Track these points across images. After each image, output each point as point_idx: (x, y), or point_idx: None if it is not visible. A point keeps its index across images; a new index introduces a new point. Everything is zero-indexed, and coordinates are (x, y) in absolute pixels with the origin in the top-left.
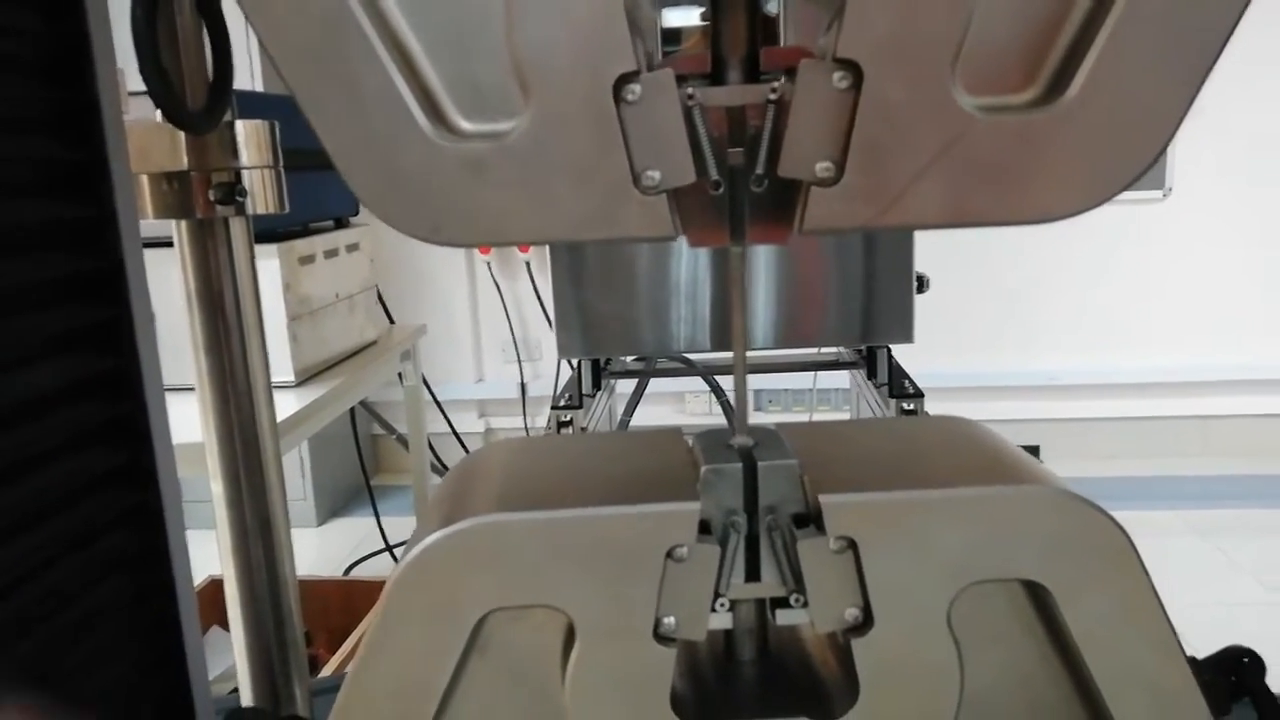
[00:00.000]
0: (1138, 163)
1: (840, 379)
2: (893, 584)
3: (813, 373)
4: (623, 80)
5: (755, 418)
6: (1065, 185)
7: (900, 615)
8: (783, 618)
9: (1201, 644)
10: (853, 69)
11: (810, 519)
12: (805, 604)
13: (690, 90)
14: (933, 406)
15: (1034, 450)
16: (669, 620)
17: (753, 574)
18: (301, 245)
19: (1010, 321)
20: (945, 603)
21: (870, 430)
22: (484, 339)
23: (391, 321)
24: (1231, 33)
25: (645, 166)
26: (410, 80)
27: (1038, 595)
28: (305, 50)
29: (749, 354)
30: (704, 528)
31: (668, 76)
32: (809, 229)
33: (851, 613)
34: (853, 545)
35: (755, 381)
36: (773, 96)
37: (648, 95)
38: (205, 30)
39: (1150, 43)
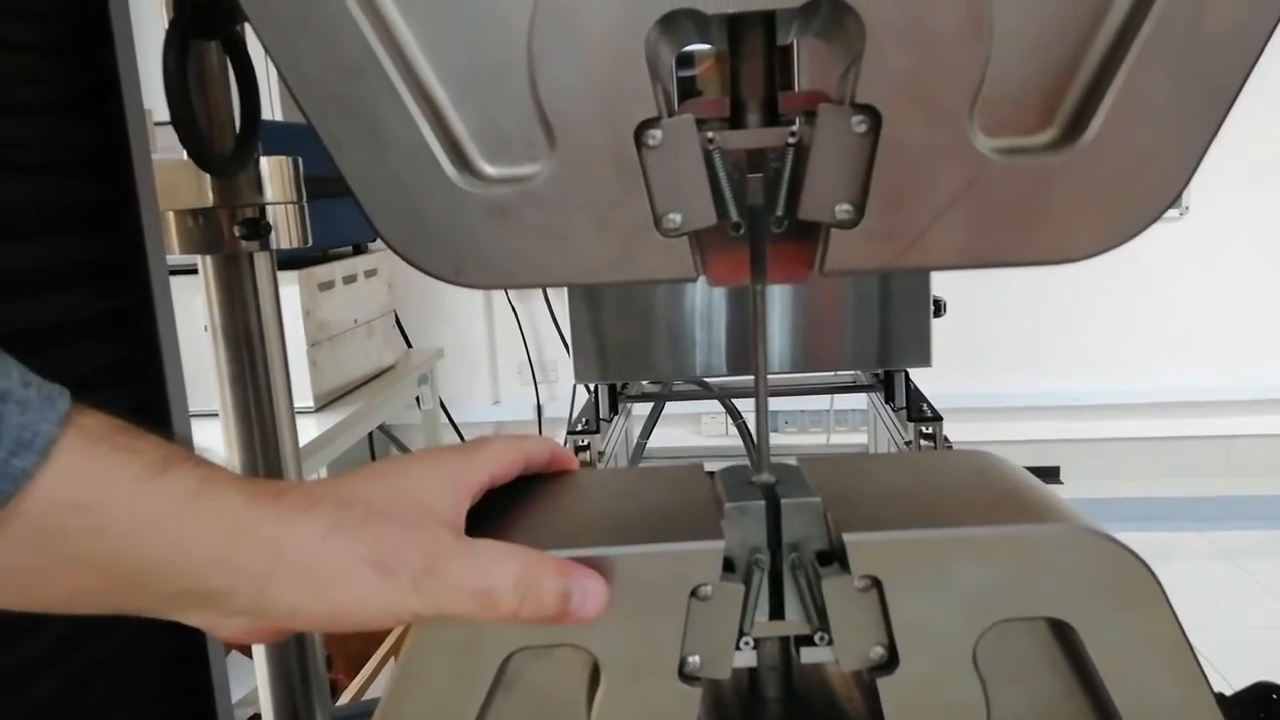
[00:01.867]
0: (1158, 203)
1: (858, 400)
2: (917, 622)
3: (830, 395)
4: (644, 126)
5: (772, 439)
6: (1084, 226)
7: (925, 654)
8: (807, 656)
9: (1227, 669)
10: (871, 113)
11: (834, 556)
12: (830, 642)
13: (710, 134)
14: (952, 428)
15: (1055, 471)
16: (693, 659)
17: (777, 612)
18: (321, 271)
19: (1030, 342)
20: (970, 641)
21: (893, 465)
22: (500, 362)
23: (409, 346)
24: (1249, 74)
25: (666, 210)
26: (435, 126)
27: (1063, 633)
28: (332, 97)
29: (771, 377)
30: (727, 565)
31: (688, 122)
32: (830, 270)
33: (876, 651)
34: (877, 584)
35: (772, 404)
36: (792, 140)
37: (669, 140)
38: (232, 73)
39: (1168, 84)
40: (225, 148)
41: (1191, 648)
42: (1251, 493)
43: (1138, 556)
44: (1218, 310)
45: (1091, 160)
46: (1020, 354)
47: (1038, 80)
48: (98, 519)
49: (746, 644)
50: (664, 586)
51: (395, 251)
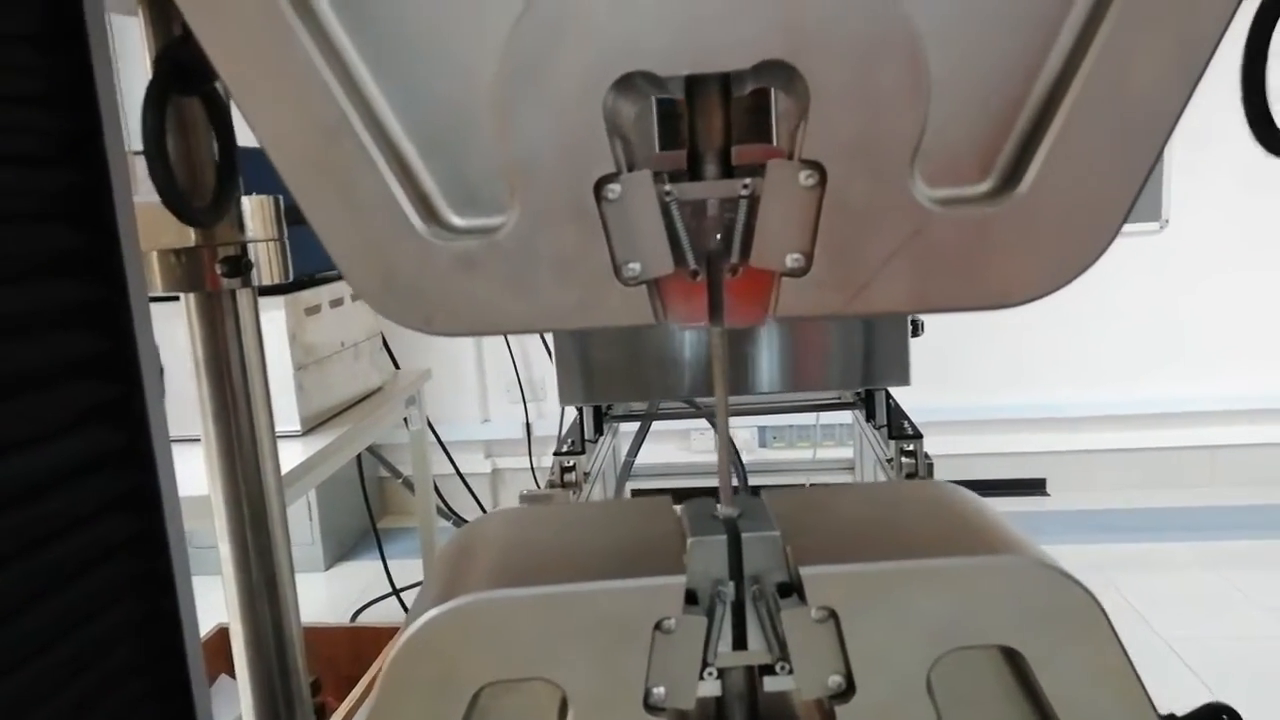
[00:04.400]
0: (1092, 249)
1: (844, 415)
2: (873, 652)
3: (816, 412)
4: (603, 180)
5: (760, 454)
6: (1023, 272)
7: (881, 682)
8: (770, 684)
9: (1213, 679)
10: (818, 168)
11: (794, 588)
12: (790, 671)
13: (668, 187)
14: (939, 441)
15: (1041, 483)
16: (659, 690)
17: (740, 642)
18: (307, 296)
19: (1015, 355)
20: (924, 669)
21: (853, 497)
22: (489, 380)
23: (397, 367)
24: (1174, 127)
25: (626, 259)
26: (405, 181)
27: (1015, 661)
28: (306, 158)
29: (753, 399)
30: (692, 597)
31: (645, 177)
32: (782, 315)
33: (835, 680)
34: (834, 614)
35: (761, 420)
36: (744, 192)
37: (627, 193)
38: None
39: (1098, 135)
40: (206, 193)
41: (1138, 675)
42: (1236, 502)
43: (1085, 588)
44: (1199, 321)
45: (1028, 208)
46: (1005, 367)
47: (976, 133)
48: None
49: (710, 674)
50: (628, 621)
51: (368, 304)
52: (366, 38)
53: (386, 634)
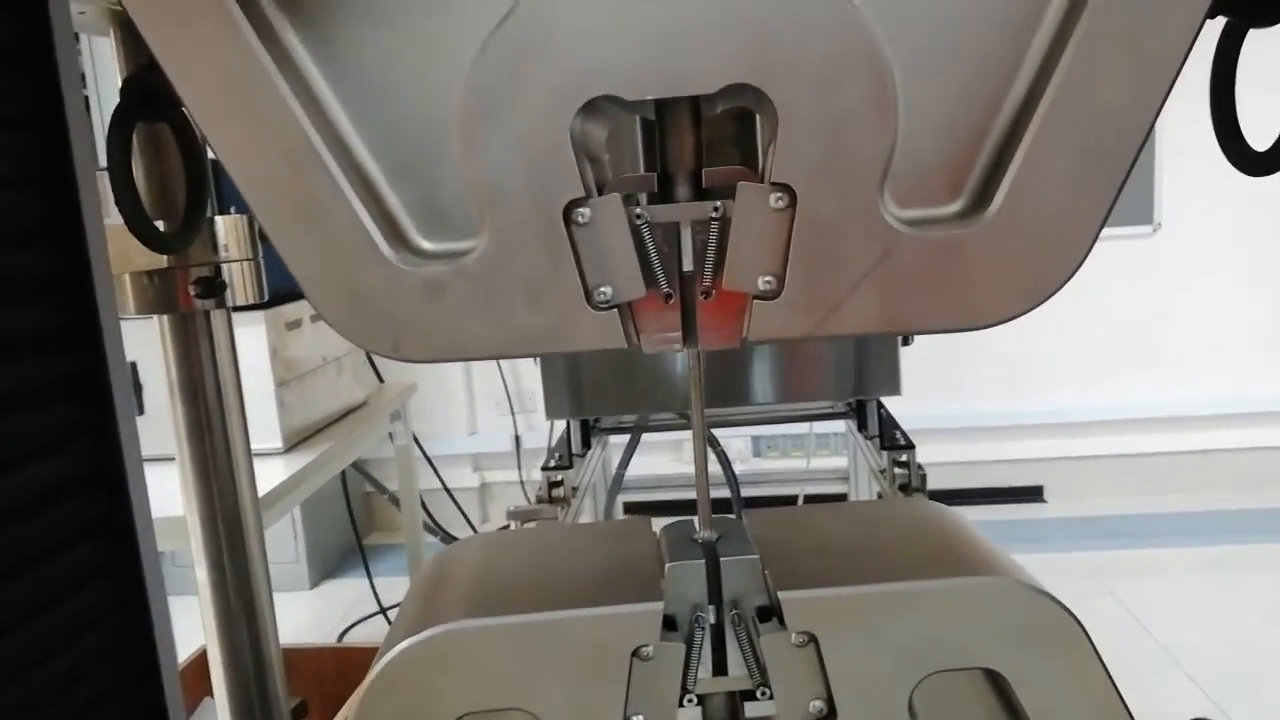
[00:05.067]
0: (1063, 269)
1: (838, 425)
2: (853, 676)
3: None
4: (573, 204)
5: (754, 464)
6: (994, 293)
7: (862, 706)
8: (751, 710)
9: (1210, 684)
10: (788, 190)
11: (773, 612)
12: (771, 697)
13: (638, 209)
14: (933, 449)
15: (1038, 490)
16: (637, 718)
17: (720, 668)
18: (288, 310)
19: (1009, 362)
20: (905, 693)
21: (834, 517)
22: (477, 392)
23: (380, 381)
24: (1141, 147)
25: (597, 283)
26: (371, 205)
27: (996, 681)
28: (270, 182)
29: (746, 409)
30: (671, 623)
31: (615, 200)
32: (755, 338)
33: (816, 705)
34: (814, 639)
35: (756, 430)
36: (715, 214)
37: (597, 217)
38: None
39: (1067, 155)
40: (178, 215)
41: (1119, 692)
42: (1231, 506)
43: (1065, 607)
44: (1192, 326)
45: (999, 229)
46: (1000, 374)
47: (945, 155)
48: None
49: (690, 701)
50: (605, 648)
51: (335, 328)
52: (332, 64)
53: (374, 654)
